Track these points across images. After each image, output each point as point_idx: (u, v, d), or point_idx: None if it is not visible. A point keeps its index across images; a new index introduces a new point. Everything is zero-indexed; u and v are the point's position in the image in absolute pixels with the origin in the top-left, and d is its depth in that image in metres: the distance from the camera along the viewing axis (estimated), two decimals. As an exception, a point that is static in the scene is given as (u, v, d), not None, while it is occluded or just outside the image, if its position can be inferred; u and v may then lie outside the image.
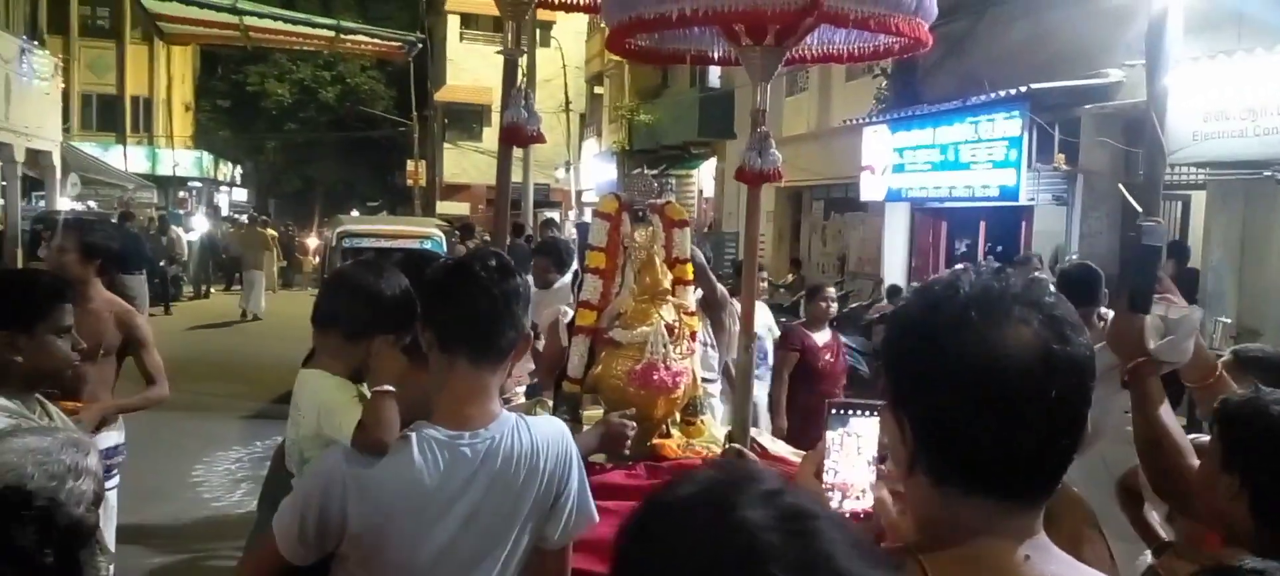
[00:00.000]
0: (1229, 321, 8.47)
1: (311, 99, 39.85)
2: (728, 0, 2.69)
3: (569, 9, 3.56)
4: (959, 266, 1.12)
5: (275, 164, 43.24)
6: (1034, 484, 1.07)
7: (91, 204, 18.96)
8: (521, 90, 3.09)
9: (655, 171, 23.02)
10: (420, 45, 25.50)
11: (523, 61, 3.19)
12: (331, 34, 23.65)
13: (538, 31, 23.82)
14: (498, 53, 3.18)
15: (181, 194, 32.28)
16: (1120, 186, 9.99)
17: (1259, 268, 8.83)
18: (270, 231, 22.66)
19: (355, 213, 29.09)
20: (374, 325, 2.20)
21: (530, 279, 1.93)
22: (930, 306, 1.09)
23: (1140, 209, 8.35)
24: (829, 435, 1.40)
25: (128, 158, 29.11)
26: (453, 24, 36.11)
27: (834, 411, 1.41)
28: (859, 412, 1.41)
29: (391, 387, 1.91)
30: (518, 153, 3.32)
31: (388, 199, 42.46)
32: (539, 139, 3.15)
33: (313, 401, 2.15)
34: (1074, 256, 10.39)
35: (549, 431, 1.99)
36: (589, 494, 2.06)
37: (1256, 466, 1.76)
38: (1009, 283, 1.08)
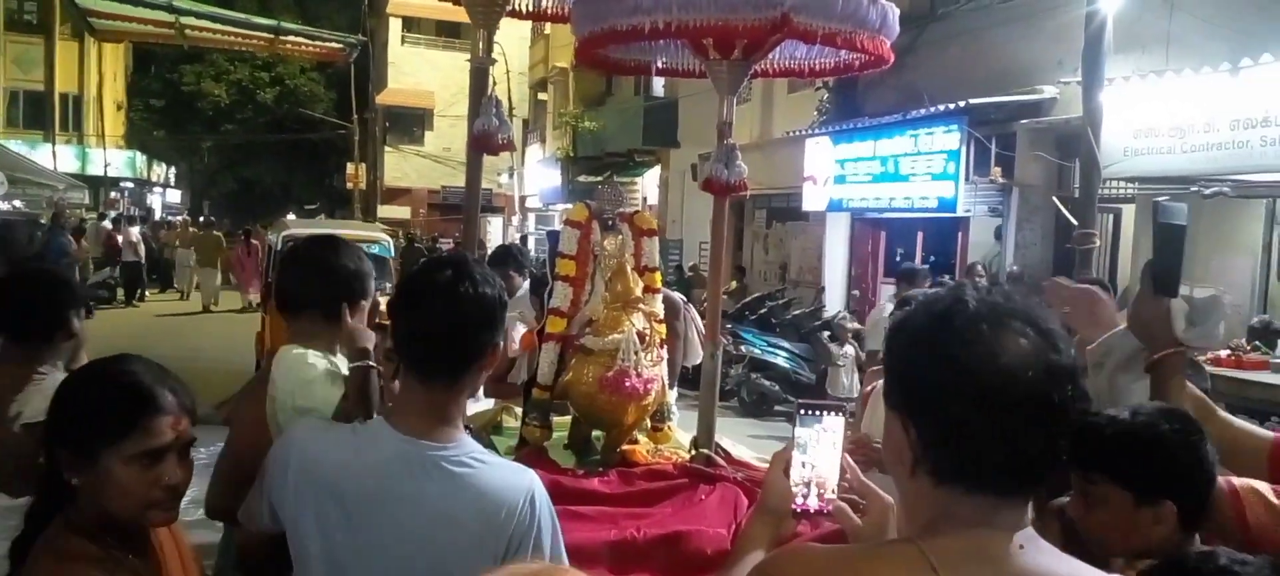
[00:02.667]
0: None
1: (249, 100, 39.16)
2: (699, 15, 2.75)
3: (539, 18, 3.60)
4: (959, 281, 1.20)
5: (210, 165, 42.35)
6: (1029, 481, 1.17)
7: (18, 204, 18.33)
8: (492, 98, 3.11)
9: (600, 178, 23.08)
10: (360, 48, 25.20)
11: (493, 69, 3.21)
12: (271, 35, 23.30)
13: (482, 36, 23.68)
14: (467, 61, 3.20)
15: (113, 194, 31.38)
16: (1054, 199, 10.33)
17: (1186, 278, 9.19)
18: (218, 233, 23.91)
19: (292, 216, 28.66)
20: (345, 297, 2.25)
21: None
22: (940, 319, 1.16)
23: (1075, 221, 8.64)
24: (799, 432, 1.47)
25: (57, 157, 28.21)
26: (394, 27, 35.77)
27: (803, 410, 1.48)
28: (829, 411, 1.49)
29: (371, 363, 1.94)
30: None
31: (326, 202, 41.85)
32: (509, 146, 3.18)
33: (289, 375, 2.15)
34: (1015, 267, 10.72)
35: (513, 479, 1.81)
36: (561, 546, 1.86)
37: (1182, 488, 1.77)
38: (1009, 298, 1.17)
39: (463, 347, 1.79)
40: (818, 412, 1.47)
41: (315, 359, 2.22)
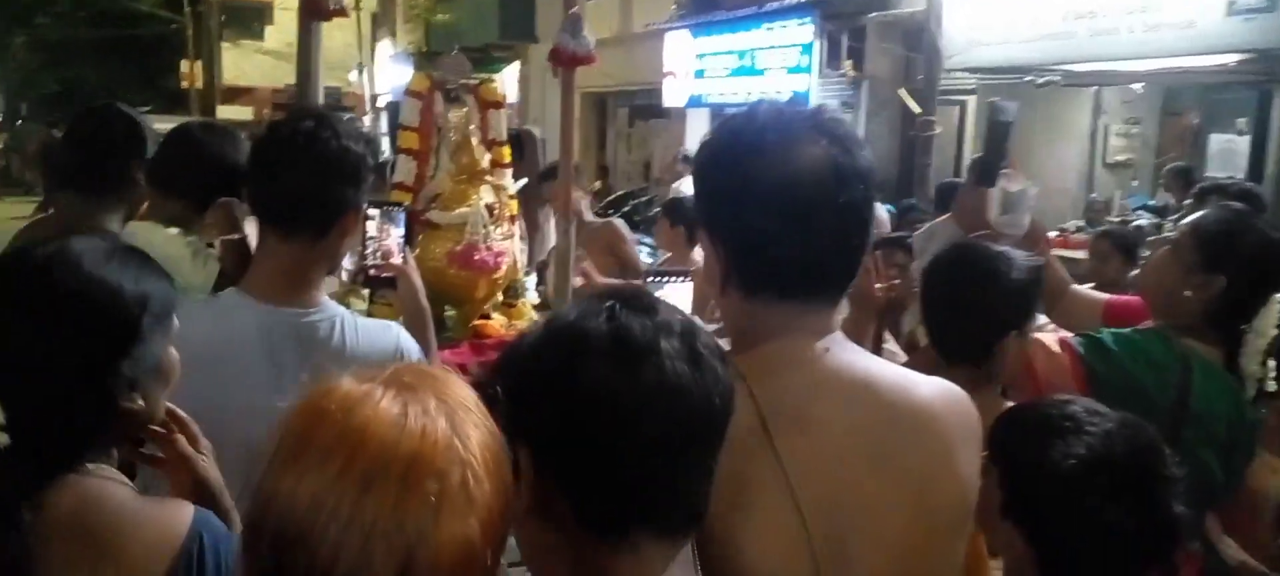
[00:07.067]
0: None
1: (65, -10, 35.90)
2: None
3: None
4: (758, 100, 1.22)
5: (26, 64, 38.80)
6: (829, 284, 1.20)
7: None
8: (323, -39, 2.92)
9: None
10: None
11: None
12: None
13: (324, -77, 22.35)
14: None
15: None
16: (901, 91, 10.65)
17: (1024, 165, 9.69)
18: None
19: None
20: (227, 188, 2.12)
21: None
22: (732, 135, 1.20)
23: (919, 111, 8.95)
24: None
25: None
26: (228, -88, 33.35)
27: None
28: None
29: (237, 235, 1.87)
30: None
31: (160, 102, 39.13)
32: (342, 13, 3.00)
33: (155, 251, 2.00)
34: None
35: (381, 336, 1.78)
36: None
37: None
38: (797, 109, 1.21)
39: (325, 201, 1.71)
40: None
41: (183, 236, 2.08)
